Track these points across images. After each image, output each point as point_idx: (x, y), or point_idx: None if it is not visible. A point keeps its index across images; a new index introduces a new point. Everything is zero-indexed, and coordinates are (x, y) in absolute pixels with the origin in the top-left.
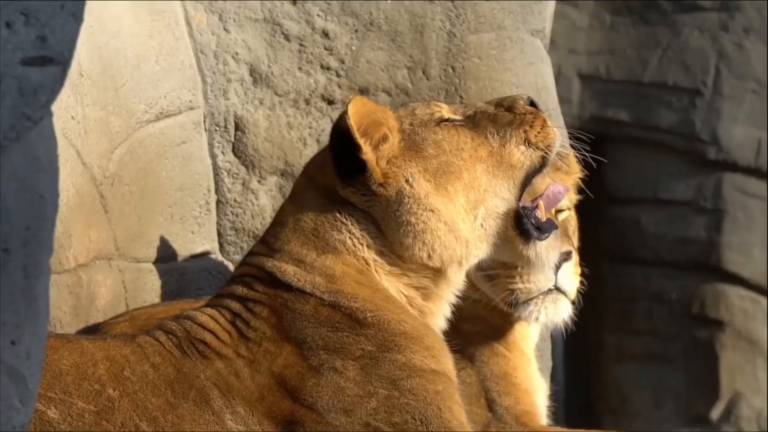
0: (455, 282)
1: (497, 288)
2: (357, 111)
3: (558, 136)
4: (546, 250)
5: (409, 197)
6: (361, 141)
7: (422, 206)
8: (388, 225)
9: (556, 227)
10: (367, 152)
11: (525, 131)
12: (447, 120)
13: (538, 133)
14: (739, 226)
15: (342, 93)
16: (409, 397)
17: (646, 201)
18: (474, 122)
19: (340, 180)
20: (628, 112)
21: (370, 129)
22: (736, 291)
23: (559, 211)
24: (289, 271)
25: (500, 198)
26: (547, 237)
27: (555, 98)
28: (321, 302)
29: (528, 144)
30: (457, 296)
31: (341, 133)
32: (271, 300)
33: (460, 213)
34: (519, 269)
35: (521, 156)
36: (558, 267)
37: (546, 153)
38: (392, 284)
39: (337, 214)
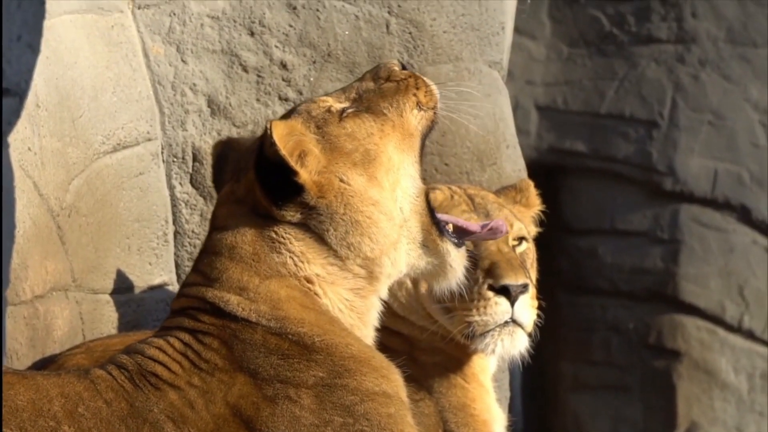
0: (385, 275)
1: (454, 320)
2: (281, 136)
3: (437, 91)
4: (458, 256)
5: (351, 196)
6: (295, 166)
7: (364, 200)
8: (332, 231)
9: (463, 246)
10: (302, 175)
11: (414, 95)
12: (344, 110)
13: (425, 93)
14: (696, 256)
15: None
16: (364, 423)
17: (603, 231)
18: (366, 103)
19: (273, 204)
20: (585, 143)
21: (294, 150)
22: (693, 321)
23: (518, 241)
24: (232, 300)
25: (409, 176)
26: (461, 246)
27: (513, 129)
28: (268, 330)
29: (420, 107)
30: (383, 304)
31: (271, 161)
32: (220, 331)
33: (389, 198)
34: (475, 302)
35: (416, 122)
36: (515, 299)
37: (436, 111)
38: (336, 294)
39: (274, 235)
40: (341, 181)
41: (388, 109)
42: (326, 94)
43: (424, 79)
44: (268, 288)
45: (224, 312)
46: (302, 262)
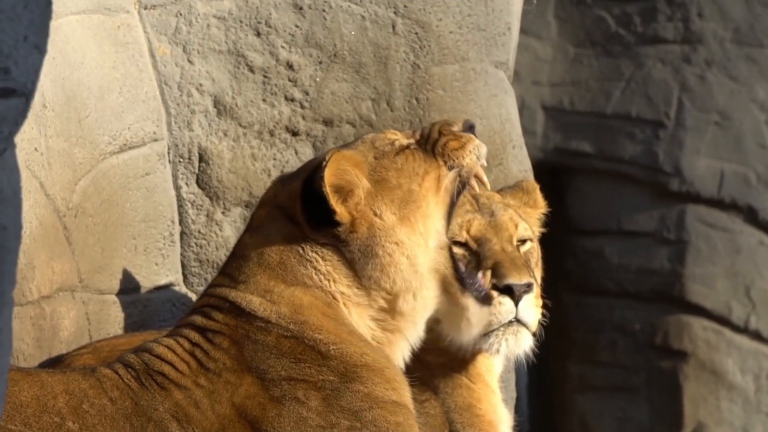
0: (410, 315)
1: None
2: (333, 173)
3: (476, 161)
4: (478, 313)
5: (379, 230)
6: (335, 206)
7: (389, 239)
8: (358, 261)
9: (490, 302)
10: (341, 213)
11: (463, 158)
12: (405, 147)
13: (471, 161)
14: (702, 257)
15: (306, 124)
16: (371, 428)
17: (610, 232)
18: (423, 146)
19: (308, 223)
20: (591, 144)
21: (341, 188)
22: (699, 322)
23: (522, 241)
24: (254, 301)
25: (437, 228)
26: (486, 304)
27: (519, 130)
28: (284, 333)
29: (451, 168)
30: (420, 338)
31: (316, 193)
32: (232, 331)
33: (415, 243)
34: None
35: (449, 183)
36: (519, 299)
37: (462, 180)
38: (360, 316)
39: (301, 251)
40: (375, 214)
41: (439, 160)
42: (397, 131)
43: (469, 142)
44: (293, 294)
45: (243, 311)
46: (328, 280)
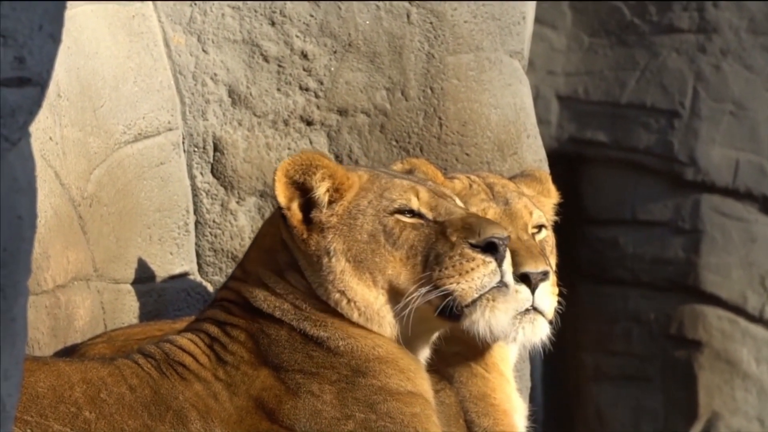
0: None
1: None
2: (284, 175)
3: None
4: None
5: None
6: (284, 201)
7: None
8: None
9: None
10: (292, 212)
11: (447, 275)
12: (407, 212)
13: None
14: (717, 246)
15: (320, 114)
16: (387, 420)
17: (625, 222)
18: (429, 228)
19: (281, 219)
20: (606, 133)
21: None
22: (714, 311)
23: (538, 229)
24: (258, 296)
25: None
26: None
27: (533, 119)
28: (293, 329)
29: (436, 288)
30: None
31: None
32: (248, 324)
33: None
34: None
35: (427, 305)
36: (535, 287)
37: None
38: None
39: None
40: (327, 252)
41: (422, 259)
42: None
43: (479, 274)
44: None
45: (252, 306)
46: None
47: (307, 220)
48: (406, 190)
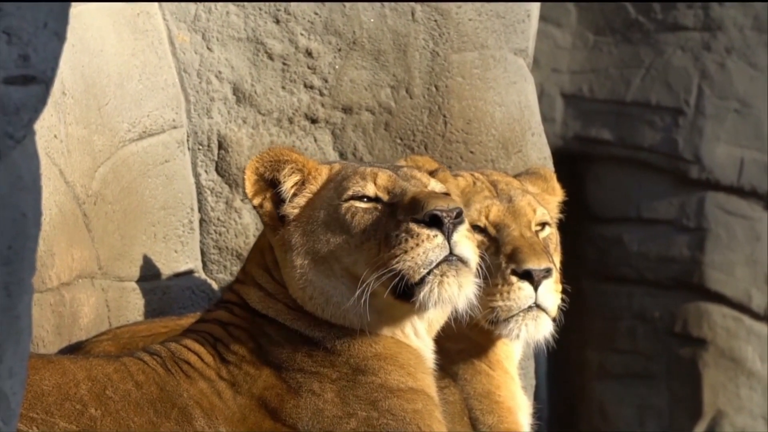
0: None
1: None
2: (253, 172)
3: (418, 266)
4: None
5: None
6: (251, 196)
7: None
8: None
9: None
10: (264, 208)
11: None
12: (361, 197)
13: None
14: (722, 244)
15: (325, 112)
16: (388, 417)
17: (629, 220)
18: (382, 211)
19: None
20: (611, 131)
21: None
22: (719, 309)
23: (541, 226)
24: (254, 297)
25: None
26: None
27: (538, 117)
28: (289, 329)
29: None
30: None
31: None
32: (249, 325)
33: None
34: (499, 287)
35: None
36: (538, 284)
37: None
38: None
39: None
40: (291, 246)
41: (372, 239)
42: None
43: (425, 250)
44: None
45: (249, 306)
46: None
47: (281, 217)
48: (364, 177)
